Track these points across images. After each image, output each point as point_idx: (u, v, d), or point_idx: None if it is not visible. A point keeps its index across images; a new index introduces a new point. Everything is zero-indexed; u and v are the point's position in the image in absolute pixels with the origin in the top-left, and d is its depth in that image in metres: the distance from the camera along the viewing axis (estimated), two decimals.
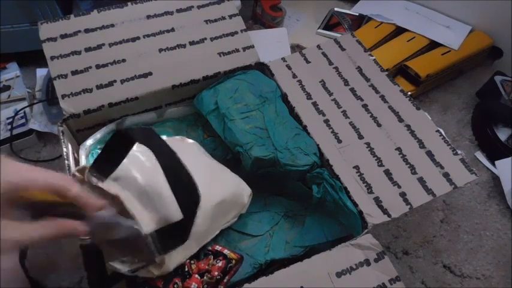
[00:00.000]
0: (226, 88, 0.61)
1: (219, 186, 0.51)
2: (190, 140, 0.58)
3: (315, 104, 0.60)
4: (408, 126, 0.57)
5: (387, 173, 0.52)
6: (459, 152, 0.55)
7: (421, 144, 0.55)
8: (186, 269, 0.45)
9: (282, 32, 0.93)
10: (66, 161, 0.53)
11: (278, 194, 0.60)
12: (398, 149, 0.55)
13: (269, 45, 0.86)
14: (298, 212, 0.58)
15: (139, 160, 0.46)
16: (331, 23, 1.01)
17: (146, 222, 0.41)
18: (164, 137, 0.61)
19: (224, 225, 0.52)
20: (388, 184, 0.51)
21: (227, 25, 0.67)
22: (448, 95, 0.90)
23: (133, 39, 0.63)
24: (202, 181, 0.48)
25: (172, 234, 0.40)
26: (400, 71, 0.87)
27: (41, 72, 0.85)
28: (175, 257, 0.44)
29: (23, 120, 0.77)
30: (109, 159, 0.43)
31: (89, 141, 0.59)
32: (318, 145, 0.56)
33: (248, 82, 0.62)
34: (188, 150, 0.55)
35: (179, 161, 0.40)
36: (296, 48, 0.94)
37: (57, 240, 0.35)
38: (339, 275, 0.44)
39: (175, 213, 0.40)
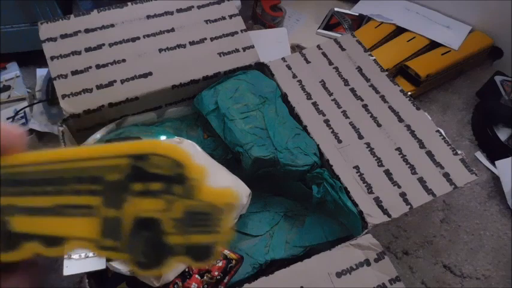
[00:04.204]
0: (226, 88, 0.61)
1: None
2: (188, 141, 0.58)
3: (315, 104, 0.60)
4: (408, 126, 0.57)
5: (387, 173, 0.52)
6: (459, 152, 0.55)
7: (421, 144, 0.55)
8: (187, 269, 0.45)
9: (282, 32, 0.92)
10: None
11: (278, 194, 0.60)
12: (399, 149, 0.55)
13: (269, 45, 0.86)
14: (298, 212, 0.58)
15: None
16: (331, 23, 1.01)
17: None
18: (163, 138, 0.61)
19: None
20: (388, 184, 0.51)
21: (227, 25, 0.67)
22: (448, 95, 0.90)
23: (134, 39, 0.63)
24: None
25: None
26: (400, 71, 0.87)
27: (41, 72, 0.85)
28: (176, 267, 0.44)
29: (23, 120, 0.77)
30: None
31: (89, 141, 0.59)
32: (318, 145, 0.56)
33: (248, 82, 0.62)
34: None
35: None
36: (296, 48, 0.94)
37: None
38: (339, 275, 0.44)
39: None
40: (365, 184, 0.51)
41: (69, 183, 0.19)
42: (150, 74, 0.61)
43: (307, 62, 0.65)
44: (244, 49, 0.66)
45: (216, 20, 0.67)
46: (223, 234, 0.20)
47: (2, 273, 0.19)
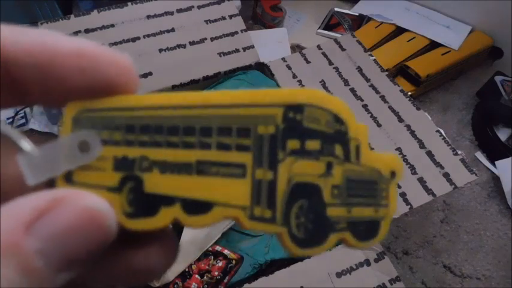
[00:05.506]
0: (226, 88, 0.61)
1: None
2: None
3: None
4: (408, 126, 0.57)
5: None
6: (459, 152, 0.55)
7: (421, 144, 0.55)
8: (187, 270, 0.45)
9: (282, 32, 0.93)
10: None
11: None
12: (399, 149, 0.55)
13: (269, 45, 0.86)
14: None
15: None
16: (331, 23, 1.01)
17: None
18: None
19: (225, 228, 0.52)
20: None
21: (227, 25, 0.67)
22: (448, 95, 0.90)
23: (134, 39, 0.63)
24: None
25: None
26: (400, 71, 0.87)
27: None
28: (176, 267, 0.44)
29: (23, 120, 0.77)
30: None
31: None
32: None
33: (248, 82, 0.62)
34: None
35: None
36: (296, 48, 0.94)
37: None
38: (339, 275, 0.44)
39: None
40: None
41: (214, 134, 0.15)
42: (150, 74, 0.61)
43: (307, 62, 0.65)
44: (244, 49, 0.66)
45: (216, 20, 0.67)
46: (390, 208, 0.16)
47: (132, 248, 0.14)
